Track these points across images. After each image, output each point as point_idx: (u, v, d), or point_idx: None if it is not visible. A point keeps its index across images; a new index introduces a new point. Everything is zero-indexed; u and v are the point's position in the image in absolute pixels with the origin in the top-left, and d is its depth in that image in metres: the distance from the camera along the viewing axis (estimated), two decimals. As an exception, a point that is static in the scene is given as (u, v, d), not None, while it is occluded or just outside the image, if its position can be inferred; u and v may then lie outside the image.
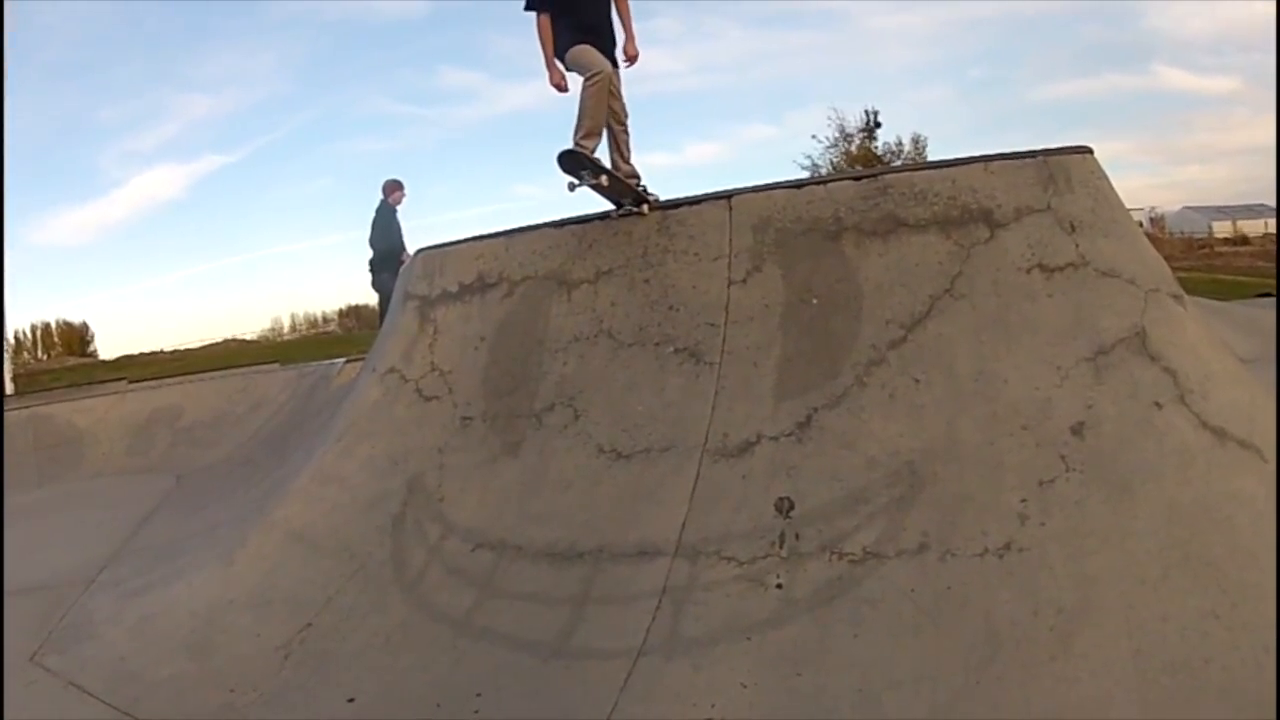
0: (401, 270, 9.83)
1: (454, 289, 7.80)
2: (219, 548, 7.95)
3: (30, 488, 13.70)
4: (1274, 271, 31.02)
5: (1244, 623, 4.42)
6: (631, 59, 8.04)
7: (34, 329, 53.40)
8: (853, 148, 47.07)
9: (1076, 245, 5.97)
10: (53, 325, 54.89)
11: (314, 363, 18.06)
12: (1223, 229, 67.32)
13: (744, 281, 6.51)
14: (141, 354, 25.28)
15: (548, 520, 6.06)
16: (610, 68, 7.71)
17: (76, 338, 50.88)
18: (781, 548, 5.22)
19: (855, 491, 5.34)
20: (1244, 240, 59.41)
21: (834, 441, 5.62)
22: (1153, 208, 68.22)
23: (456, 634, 5.66)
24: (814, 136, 50.22)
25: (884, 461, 5.41)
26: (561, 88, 7.84)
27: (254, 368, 18.27)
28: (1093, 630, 4.50)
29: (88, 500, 13.00)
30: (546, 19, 7.73)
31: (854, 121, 47.72)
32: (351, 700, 5.41)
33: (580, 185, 7.26)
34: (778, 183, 7.01)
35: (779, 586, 5.07)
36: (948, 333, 5.80)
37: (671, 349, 6.55)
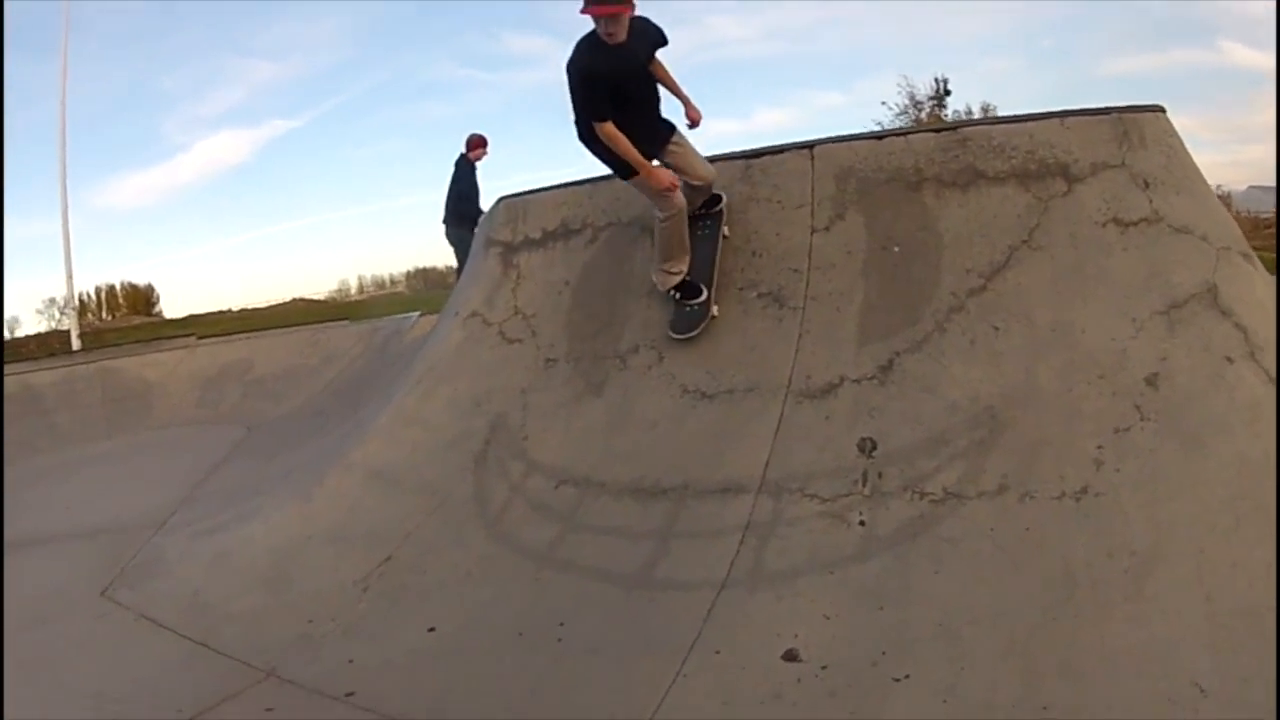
0: (482, 218, 9.90)
1: (537, 235, 7.95)
2: (296, 488, 8.16)
3: (99, 439, 13.92)
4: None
5: None
6: (695, 123, 7.07)
7: (98, 291, 53.89)
8: (923, 115, 46.89)
9: (1150, 201, 6.04)
10: (117, 287, 55.36)
11: (387, 318, 18.17)
12: (1288, 210, 65.97)
13: (827, 229, 6.63)
14: (208, 313, 25.56)
15: (632, 458, 6.22)
16: (684, 201, 6.84)
17: (141, 299, 51.34)
18: (864, 486, 5.39)
19: (937, 434, 5.48)
20: (1311, 220, 58.38)
21: (916, 385, 5.76)
22: (1219, 186, 67.00)
23: (539, 567, 5.85)
24: (884, 103, 50.05)
25: (965, 406, 5.54)
26: (675, 185, 6.71)
27: (325, 324, 18.50)
28: (1165, 574, 4.62)
29: (158, 449, 13.24)
30: (611, 125, 6.48)
31: (924, 90, 47.61)
32: (432, 630, 5.62)
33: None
34: (859, 134, 7.12)
35: (862, 524, 5.24)
36: (1026, 283, 5.90)
37: (755, 294, 6.70)
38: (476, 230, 10.00)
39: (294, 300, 35.72)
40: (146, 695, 5.69)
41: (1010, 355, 5.68)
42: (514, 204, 8.49)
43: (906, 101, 47.40)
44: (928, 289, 6.10)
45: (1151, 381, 5.36)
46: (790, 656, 4.63)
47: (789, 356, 6.28)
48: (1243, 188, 72.41)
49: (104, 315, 50.58)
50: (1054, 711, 4.15)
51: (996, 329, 5.78)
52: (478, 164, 14.52)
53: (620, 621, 5.31)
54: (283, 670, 5.69)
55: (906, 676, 4.41)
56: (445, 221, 14.57)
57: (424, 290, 45.34)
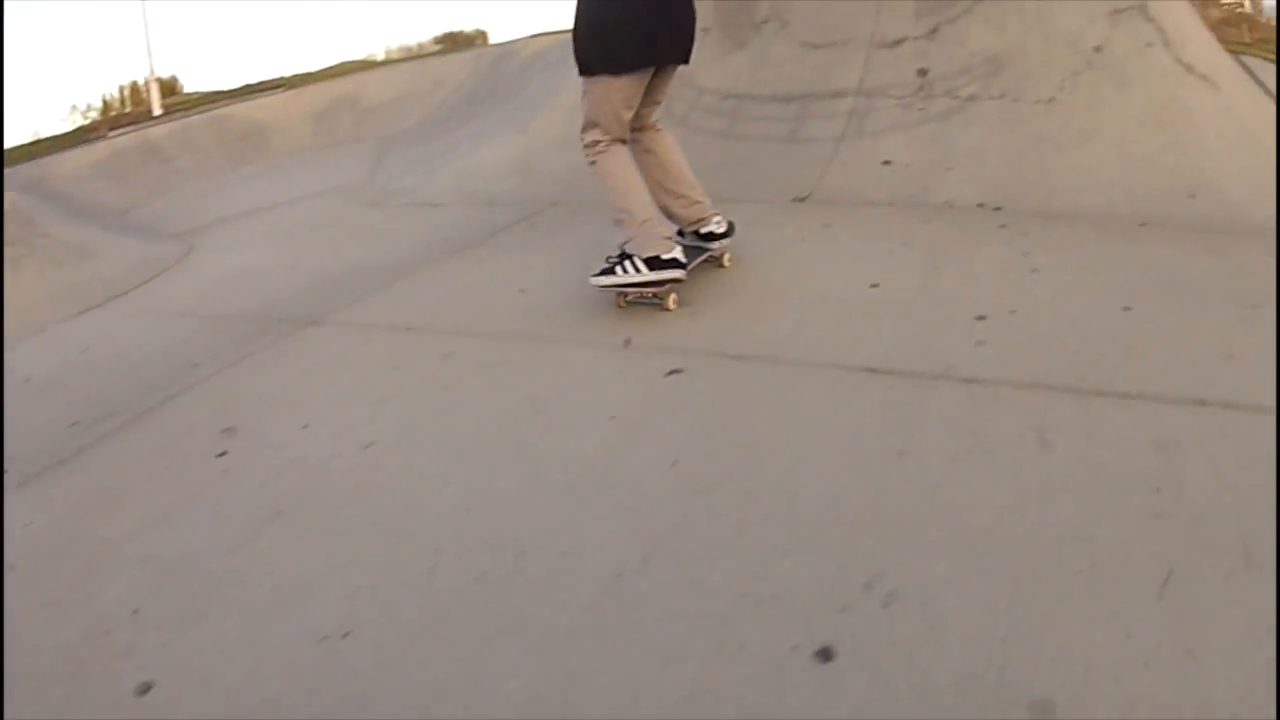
0: None
1: None
2: (506, 131, 11.65)
3: (225, 173, 16.04)
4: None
5: (1182, 149, 8.41)
6: None
7: (121, 90, 53.97)
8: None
9: None
10: (140, 83, 55.06)
11: (487, 47, 20.41)
12: (1314, 25, 66.39)
13: None
14: (259, 83, 26.90)
15: (771, 81, 9.84)
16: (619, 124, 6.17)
17: (167, 90, 51.28)
18: (921, 92, 9.37)
19: (964, 67, 9.40)
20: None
21: (952, 41, 9.62)
22: None
23: (722, 139, 9.60)
24: None
25: (981, 53, 9.43)
26: None
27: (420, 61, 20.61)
28: (1096, 142, 8.55)
29: (301, 163, 15.64)
30: None
31: None
32: None
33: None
34: None
35: (920, 109, 9.25)
36: None
37: None
38: None
39: (342, 63, 35.71)
40: (474, 223, 9.16)
41: (1010, 28, 9.48)
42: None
43: None
44: (961, -11, 9.91)
45: (1098, 49, 9.12)
46: (886, 163, 8.83)
47: (871, 24, 10.04)
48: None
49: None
50: (1032, 185, 8.22)
51: (1003, 14, 9.59)
52: None
53: (782, 159, 9.28)
54: (562, 200, 9.48)
55: (950, 169, 8.60)
56: None
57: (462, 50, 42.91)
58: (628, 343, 5.64)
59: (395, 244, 8.66)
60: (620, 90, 5.95)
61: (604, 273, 6.05)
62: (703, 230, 6.59)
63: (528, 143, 11.08)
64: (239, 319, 7.02)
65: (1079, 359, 4.94)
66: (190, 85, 40.80)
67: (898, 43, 9.87)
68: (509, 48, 19.41)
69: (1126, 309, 5.64)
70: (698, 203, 6.53)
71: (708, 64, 10.53)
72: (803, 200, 8.60)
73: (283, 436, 4.94)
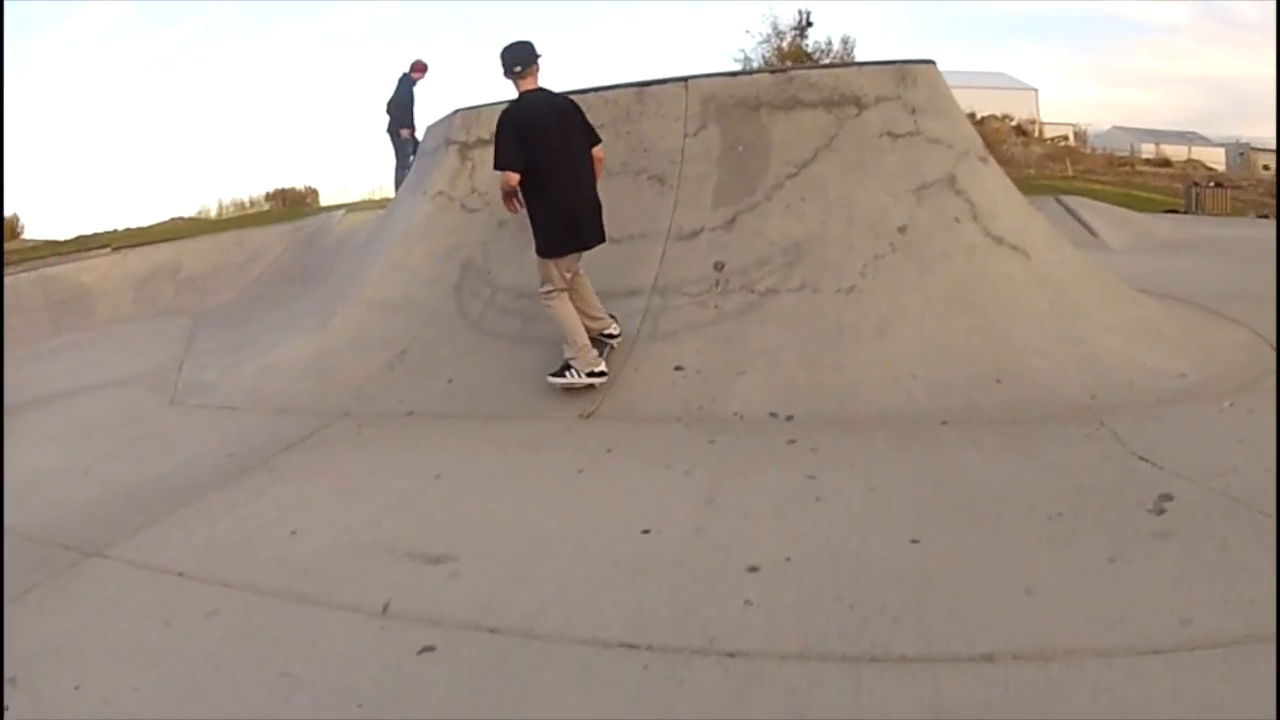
0: (436, 124, 13.02)
1: (487, 136, 10.74)
2: (305, 327, 11.28)
3: (48, 338, 16.14)
4: (1183, 193, 33.99)
5: (989, 329, 8.26)
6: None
7: None
8: (784, 44, 51.60)
9: (915, 122, 9.66)
10: None
11: (308, 218, 20.42)
12: (1149, 152, 70.03)
13: (695, 135, 10.16)
14: (93, 234, 26.79)
15: None
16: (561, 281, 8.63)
17: (8, 233, 51.31)
18: (718, 287, 9.08)
19: (762, 258, 9.15)
20: (1166, 163, 63.06)
21: (750, 230, 9.39)
22: (1077, 123, 71.52)
23: (515, 345, 9.24)
24: (747, 31, 54.99)
25: (780, 241, 9.21)
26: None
27: (247, 228, 20.68)
28: (899, 328, 8.31)
29: (119, 336, 15.46)
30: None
31: (787, 20, 52.50)
32: (450, 380, 9.11)
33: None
34: (719, 72, 10.85)
35: (716, 307, 8.95)
36: (825, 171, 9.52)
37: (645, 176, 10.19)
38: (427, 132, 13.67)
39: (173, 220, 35.72)
40: (263, 437, 8.66)
41: (811, 214, 9.29)
42: (468, 114, 11.71)
43: (769, 30, 52.48)
44: (760, 174, 9.71)
45: (902, 230, 8.97)
46: (677, 368, 8.48)
47: (668, 215, 9.82)
48: (1106, 127, 77.12)
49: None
50: (828, 386, 7.93)
51: (803, 199, 9.41)
52: (416, 84, 18.99)
53: (575, 367, 8.92)
54: (353, 411, 9.02)
55: (743, 373, 8.25)
56: (390, 131, 18.73)
57: (291, 209, 44.64)
58: (385, 609, 5.24)
59: (185, 456, 8.44)
60: (561, 265, 8.50)
61: (558, 374, 8.66)
62: (605, 333, 8.98)
63: (325, 342, 10.65)
64: (30, 540, 6.80)
65: (854, 616, 4.61)
66: (31, 225, 40.88)
67: (694, 234, 9.68)
68: (326, 221, 19.71)
69: (914, 542, 5.35)
70: (602, 318, 8.94)
71: (504, 259, 10.36)
72: (589, 417, 8.27)
73: (57, 696, 4.70)
